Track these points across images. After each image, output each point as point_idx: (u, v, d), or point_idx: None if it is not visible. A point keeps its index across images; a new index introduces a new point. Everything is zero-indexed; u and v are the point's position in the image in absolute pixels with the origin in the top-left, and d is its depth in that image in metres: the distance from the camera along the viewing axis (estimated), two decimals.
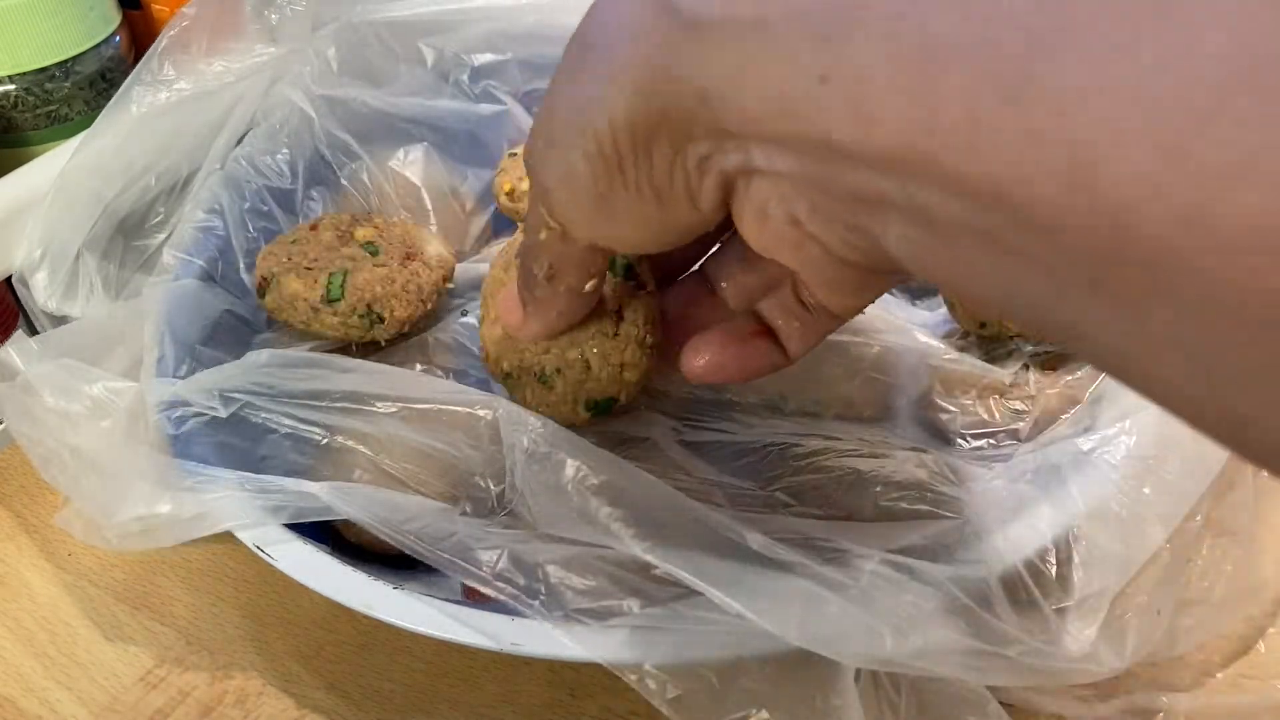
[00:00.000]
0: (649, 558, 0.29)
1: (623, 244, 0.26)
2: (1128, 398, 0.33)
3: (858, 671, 0.28)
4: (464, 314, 0.43)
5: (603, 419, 0.36)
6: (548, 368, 0.35)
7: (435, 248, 0.43)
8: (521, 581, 0.29)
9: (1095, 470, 0.31)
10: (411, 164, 0.49)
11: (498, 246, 0.48)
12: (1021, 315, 0.17)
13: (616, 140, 0.22)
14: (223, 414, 0.34)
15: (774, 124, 0.19)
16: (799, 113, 0.18)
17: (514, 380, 0.36)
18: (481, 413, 0.34)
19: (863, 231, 0.20)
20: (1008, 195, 0.15)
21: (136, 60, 0.45)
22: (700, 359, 0.30)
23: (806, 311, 0.28)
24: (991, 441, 0.37)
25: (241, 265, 0.43)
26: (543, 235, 0.27)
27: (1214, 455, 0.31)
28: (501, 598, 0.29)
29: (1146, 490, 0.30)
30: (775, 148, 0.20)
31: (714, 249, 0.32)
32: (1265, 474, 0.33)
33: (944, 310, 0.42)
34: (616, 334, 0.34)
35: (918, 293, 0.45)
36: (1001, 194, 0.15)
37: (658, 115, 0.21)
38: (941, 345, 0.40)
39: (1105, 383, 0.35)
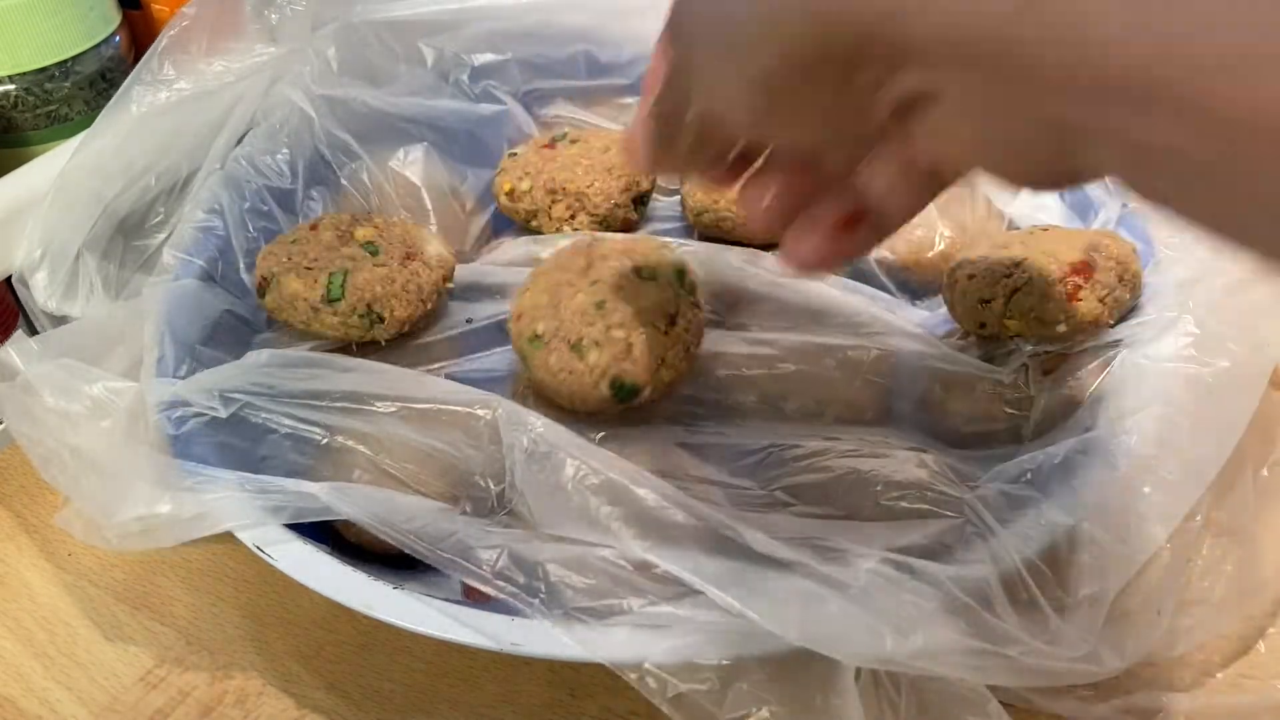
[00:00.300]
0: (649, 557, 0.29)
1: (779, 144, 0.25)
2: (1128, 398, 0.33)
3: (858, 671, 0.28)
4: (469, 321, 0.43)
5: (616, 406, 0.36)
6: (586, 339, 0.36)
7: (435, 247, 0.43)
8: (521, 581, 0.29)
9: (1095, 470, 0.31)
10: (411, 164, 0.49)
11: (498, 246, 0.48)
12: (1232, 241, 0.17)
13: (781, 69, 0.20)
14: (223, 414, 0.34)
15: (969, 48, 0.18)
16: (1000, 35, 0.17)
17: (540, 342, 0.37)
18: (481, 413, 0.34)
19: (1057, 150, 0.19)
20: (1265, 124, 0.14)
21: (136, 60, 0.45)
22: (803, 247, 0.28)
23: (917, 177, 0.26)
24: (992, 441, 0.37)
25: (241, 265, 0.43)
26: (691, 117, 0.25)
27: (1214, 455, 0.31)
28: (501, 597, 0.29)
29: (1146, 490, 0.30)
30: (965, 73, 0.18)
31: None
32: (1265, 473, 0.33)
33: (944, 310, 0.42)
34: (668, 333, 0.36)
35: (918, 292, 0.45)
36: (1258, 124, 0.14)
37: (829, 41, 0.19)
38: (941, 345, 0.40)
39: (1105, 383, 0.35)
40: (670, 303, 0.37)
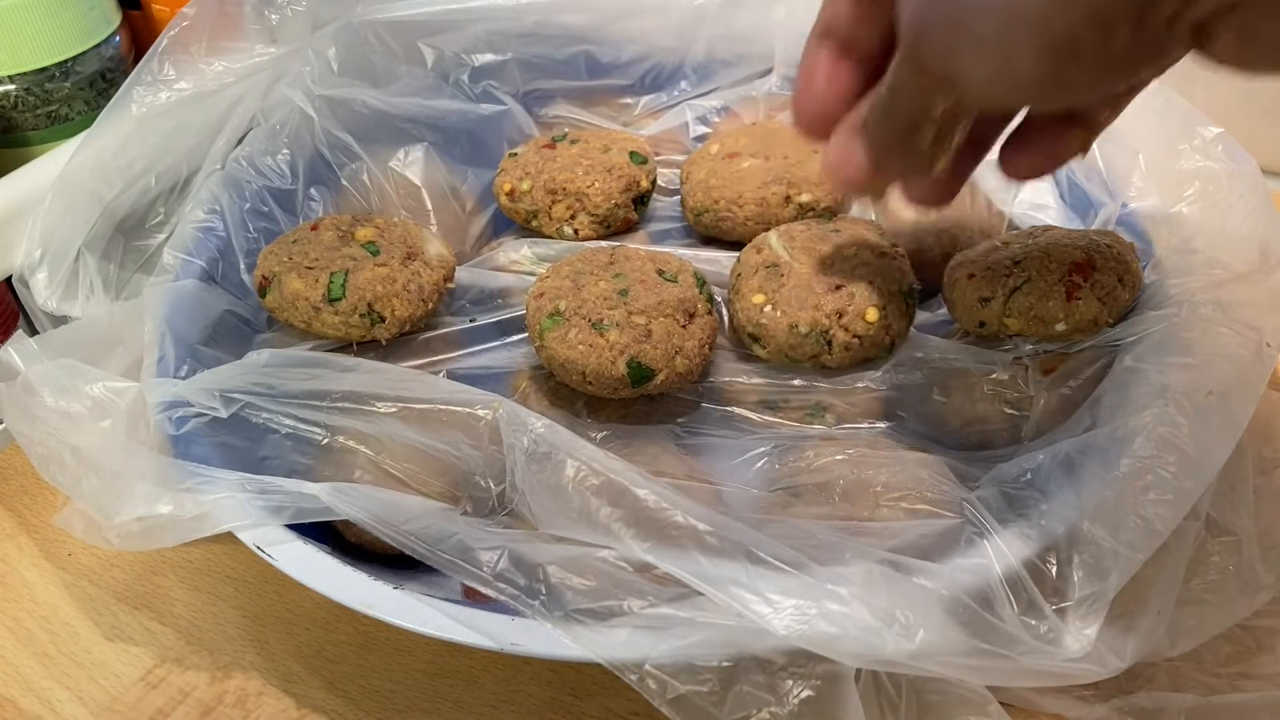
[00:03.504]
0: (649, 558, 0.29)
1: (1052, 104, 0.26)
2: (1128, 398, 0.33)
3: (858, 671, 0.28)
4: (471, 320, 0.43)
5: (629, 389, 0.37)
6: (607, 320, 0.37)
7: (436, 247, 0.43)
8: (522, 582, 0.29)
9: (1095, 470, 0.31)
10: (412, 164, 0.49)
11: (498, 246, 0.48)
12: None
13: (1083, 28, 0.21)
14: (223, 414, 0.34)
15: None
16: None
17: (560, 318, 0.38)
18: (482, 413, 0.34)
19: None
20: None
21: (136, 60, 0.45)
22: (1023, 157, 0.30)
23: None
24: (992, 441, 0.37)
25: (241, 265, 0.43)
26: (937, 110, 0.26)
27: (1214, 455, 0.31)
28: (502, 599, 0.29)
29: (1146, 490, 0.30)
30: None
31: None
32: (1266, 474, 0.33)
33: (944, 311, 0.42)
34: (685, 327, 0.38)
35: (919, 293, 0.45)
36: None
37: None
38: (941, 345, 0.40)
39: (1105, 382, 0.35)
40: (690, 301, 0.39)
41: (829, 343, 0.38)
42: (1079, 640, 0.27)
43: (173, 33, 0.44)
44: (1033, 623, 0.28)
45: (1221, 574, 0.32)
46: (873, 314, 0.38)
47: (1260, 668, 0.33)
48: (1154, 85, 0.43)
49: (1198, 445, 0.31)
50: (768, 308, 0.39)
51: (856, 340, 0.38)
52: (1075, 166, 0.44)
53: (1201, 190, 0.40)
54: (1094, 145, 0.43)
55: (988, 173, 0.45)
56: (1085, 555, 0.29)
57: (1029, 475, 0.32)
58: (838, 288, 0.39)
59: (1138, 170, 0.42)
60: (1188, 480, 0.30)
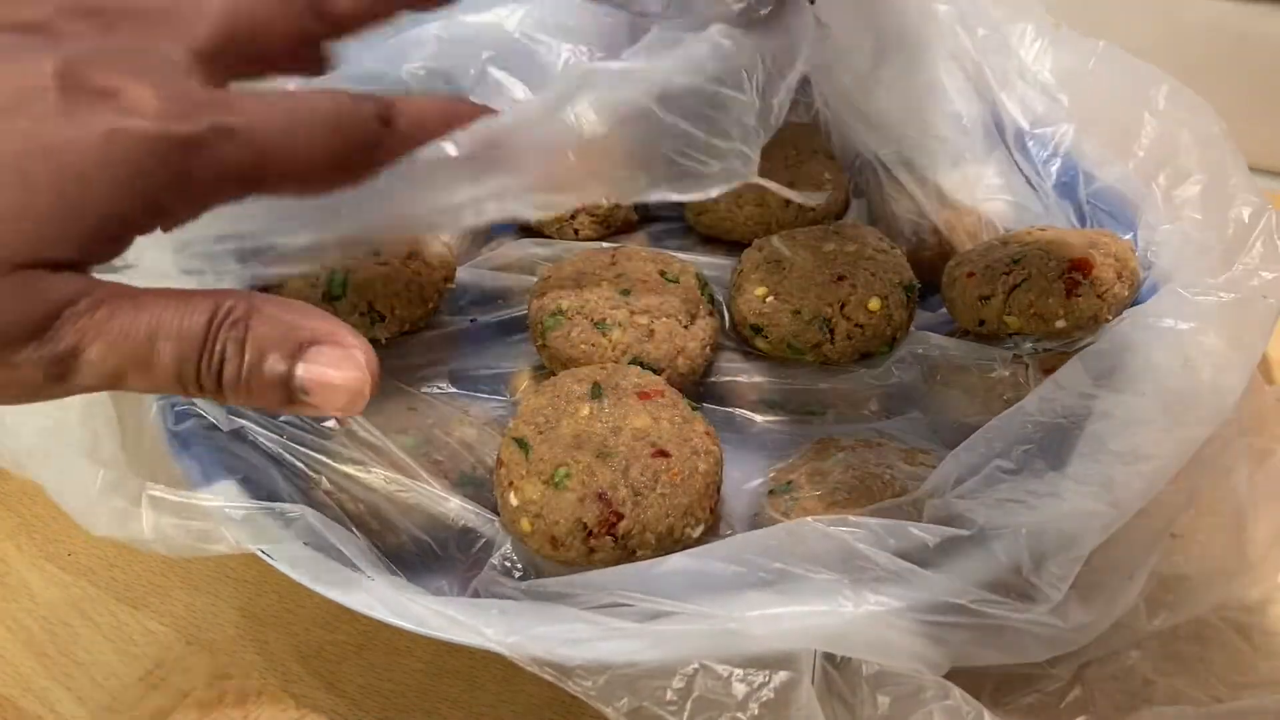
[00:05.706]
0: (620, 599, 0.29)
1: None
2: (1118, 376, 0.33)
3: (813, 674, 0.27)
4: (472, 320, 0.43)
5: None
6: (610, 319, 0.37)
7: (436, 248, 0.43)
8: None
9: (1085, 449, 0.31)
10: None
11: (499, 247, 0.48)
12: None
13: None
14: (222, 416, 0.34)
15: None
16: None
17: (563, 317, 0.38)
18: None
19: None
20: None
21: None
22: None
23: None
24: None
25: None
26: None
27: (1195, 432, 0.30)
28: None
29: (1132, 459, 0.29)
30: None
31: None
32: (1270, 462, 0.33)
33: (944, 311, 0.42)
34: (688, 327, 0.38)
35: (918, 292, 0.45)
36: None
37: None
38: (941, 342, 0.40)
39: (1098, 365, 0.35)
40: (693, 303, 0.39)
41: (831, 331, 0.38)
42: (1049, 591, 0.27)
43: None
44: (1001, 586, 0.27)
45: (1209, 552, 0.32)
46: (875, 303, 0.38)
47: (1259, 674, 0.33)
48: (1103, 47, 0.43)
49: (1182, 424, 0.30)
50: (770, 298, 0.39)
51: (859, 329, 0.38)
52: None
53: (1166, 159, 0.40)
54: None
55: (987, 172, 0.45)
56: (1065, 525, 0.28)
57: (1022, 451, 0.32)
58: (840, 278, 0.39)
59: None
60: (1171, 446, 0.30)
